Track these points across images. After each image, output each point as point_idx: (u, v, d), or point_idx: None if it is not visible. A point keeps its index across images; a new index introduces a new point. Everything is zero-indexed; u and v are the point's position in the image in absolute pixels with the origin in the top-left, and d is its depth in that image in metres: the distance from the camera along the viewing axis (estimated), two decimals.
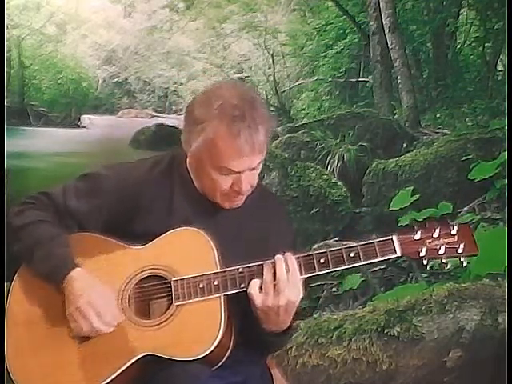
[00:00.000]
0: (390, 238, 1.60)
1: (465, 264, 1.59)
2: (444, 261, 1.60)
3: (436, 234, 1.60)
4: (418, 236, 1.60)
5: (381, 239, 1.60)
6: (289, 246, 1.72)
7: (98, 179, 1.72)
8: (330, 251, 1.60)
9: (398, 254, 1.59)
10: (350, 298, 4.00)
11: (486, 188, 4.33)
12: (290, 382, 1.97)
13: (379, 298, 3.80)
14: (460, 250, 1.59)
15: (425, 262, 1.61)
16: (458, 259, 1.60)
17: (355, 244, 1.61)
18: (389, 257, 1.60)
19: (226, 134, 1.57)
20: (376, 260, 1.60)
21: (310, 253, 1.61)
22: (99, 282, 1.61)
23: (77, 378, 1.58)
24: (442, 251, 1.59)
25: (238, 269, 1.60)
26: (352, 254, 1.60)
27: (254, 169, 1.64)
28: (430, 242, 1.60)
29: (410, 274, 4.04)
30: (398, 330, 2.72)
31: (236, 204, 1.70)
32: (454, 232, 1.60)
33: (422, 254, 1.59)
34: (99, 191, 1.69)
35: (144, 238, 1.65)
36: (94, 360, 1.58)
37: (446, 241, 1.60)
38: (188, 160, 1.72)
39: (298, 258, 1.60)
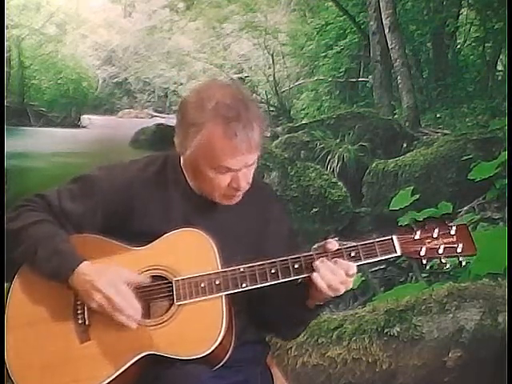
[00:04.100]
0: (389, 237, 1.62)
1: (463, 264, 1.62)
2: (443, 260, 1.62)
3: (435, 234, 1.62)
4: (417, 236, 1.62)
5: (381, 239, 1.62)
6: (285, 235, 1.74)
7: (91, 181, 1.72)
8: (331, 252, 1.61)
9: (398, 253, 1.62)
10: (349, 298, 4.00)
11: (486, 188, 4.32)
12: (289, 382, 1.98)
13: (379, 297, 3.80)
14: (459, 250, 1.61)
15: (424, 261, 1.63)
16: (456, 259, 1.62)
17: (355, 244, 1.62)
18: (389, 256, 1.62)
19: (221, 135, 1.58)
20: (376, 259, 1.61)
21: (311, 253, 1.62)
22: (108, 266, 1.60)
23: (77, 377, 1.58)
24: (441, 251, 1.62)
25: (239, 268, 1.61)
26: (352, 254, 1.61)
27: (250, 165, 1.65)
28: (429, 242, 1.62)
29: (410, 274, 4.04)
30: (398, 329, 2.72)
31: (234, 200, 1.71)
32: (452, 232, 1.62)
33: (422, 253, 1.62)
34: (92, 193, 1.69)
35: (142, 238, 1.65)
36: (95, 360, 1.58)
37: (445, 241, 1.62)
38: (182, 161, 1.72)
39: (299, 257, 1.60)
